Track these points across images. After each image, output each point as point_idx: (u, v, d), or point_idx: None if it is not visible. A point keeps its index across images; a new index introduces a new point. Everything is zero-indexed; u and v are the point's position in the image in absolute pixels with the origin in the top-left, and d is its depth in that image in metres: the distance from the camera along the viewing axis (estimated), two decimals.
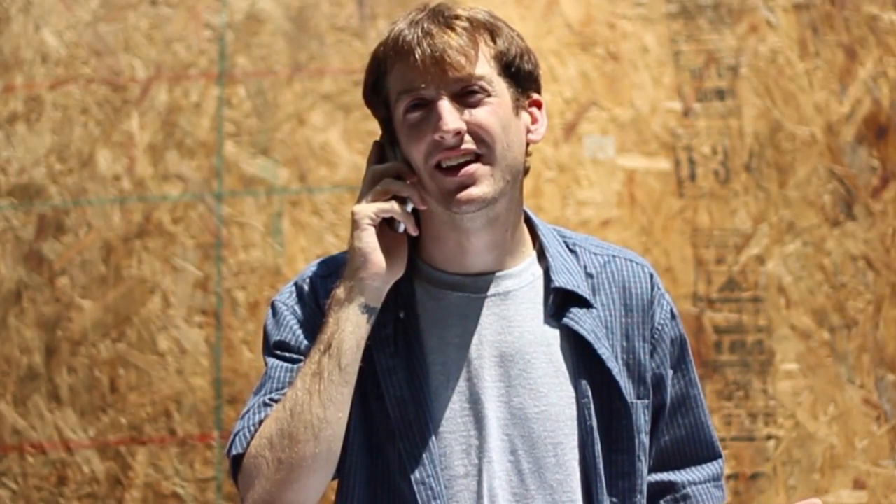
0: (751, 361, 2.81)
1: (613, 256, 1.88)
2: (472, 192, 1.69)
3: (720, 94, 2.94)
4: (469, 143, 1.69)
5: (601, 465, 1.75)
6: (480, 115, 1.70)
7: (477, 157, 1.69)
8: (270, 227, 2.81)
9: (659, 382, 1.84)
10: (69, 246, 2.88)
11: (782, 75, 2.92)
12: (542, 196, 2.87)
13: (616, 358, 1.79)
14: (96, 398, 2.82)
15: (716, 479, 1.87)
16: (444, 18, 1.72)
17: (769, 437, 2.77)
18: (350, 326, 1.69)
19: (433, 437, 1.72)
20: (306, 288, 1.80)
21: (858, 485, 2.75)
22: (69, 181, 2.93)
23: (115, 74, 2.95)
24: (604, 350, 1.77)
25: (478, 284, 1.78)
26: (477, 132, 1.69)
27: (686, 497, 1.86)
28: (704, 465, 1.87)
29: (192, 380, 2.74)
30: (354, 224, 1.69)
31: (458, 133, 1.68)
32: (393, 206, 1.70)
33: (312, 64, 2.88)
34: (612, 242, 2.65)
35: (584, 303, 1.80)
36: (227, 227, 2.86)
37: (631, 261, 1.89)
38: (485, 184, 1.70)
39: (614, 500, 1.75)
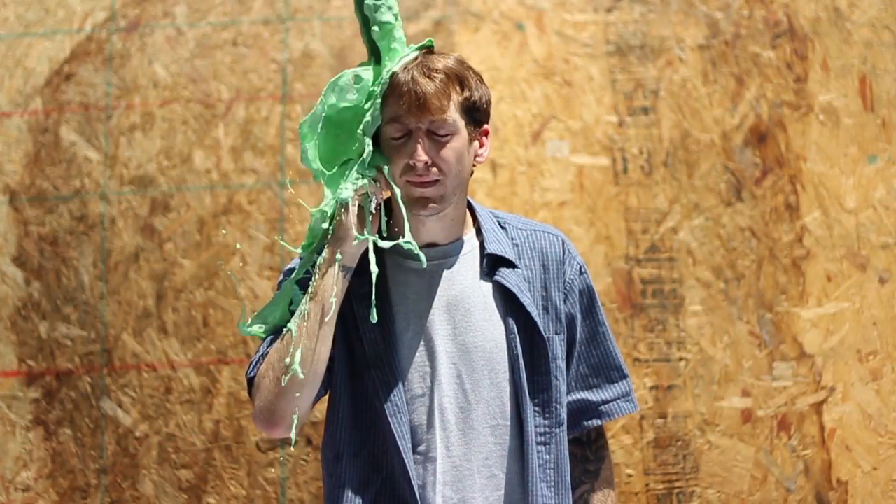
0: (667, 304, 2.93)
1: (534, 230, 1.90)
2: (430, 206, 1.76)
3: (645, 111, 3.01)
4: (434, 175, 1.74)
5: (525, 384, 1.79)
6: (446, 153, 1.73)
7: (437, 180, 1.75)
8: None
9: (571, 322, 1.88)
10: (173, 220, 3.02)
11: (690, 97, 3.02)
12: (516, 184, 2.99)
13: (535, 304, 1.82)
14: (193, 330, 2.96)
15: (626, 395, 1.92)
16: (427, 70, 1.76)
17: (680, 359, 2.91)
18: (331, 280, 1.71)
19: (397, 367, 1.76)
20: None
21: (745, 394, 2.88)
22: (173, 173, 3.05)
23: (206, 96, 3.07)
24: (525, 298, 1.82)
25: (430, 254, 1.82)
26: (440, 165, 1.75)
27: (601, 413, 1.91)
28: (615, 384, 1.91)
29: None
30: (339, 205, 1.74)
31: (426, 164, 1.73)
32: (366, 194, 1.74)
33: None
34: (567, 219, 2.86)
35: (510, 265, 1.84)
36: (288, 206, 2.99)
37: (548, 232, 1.91)
38: (438, 198, 1.76)
39: (536, 408, 1.80)
